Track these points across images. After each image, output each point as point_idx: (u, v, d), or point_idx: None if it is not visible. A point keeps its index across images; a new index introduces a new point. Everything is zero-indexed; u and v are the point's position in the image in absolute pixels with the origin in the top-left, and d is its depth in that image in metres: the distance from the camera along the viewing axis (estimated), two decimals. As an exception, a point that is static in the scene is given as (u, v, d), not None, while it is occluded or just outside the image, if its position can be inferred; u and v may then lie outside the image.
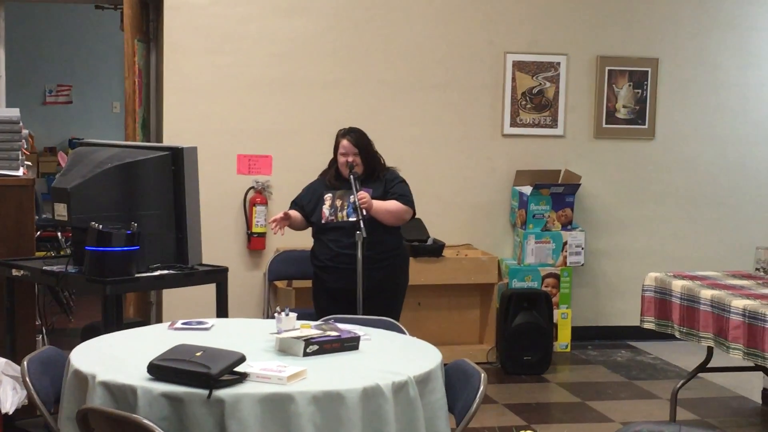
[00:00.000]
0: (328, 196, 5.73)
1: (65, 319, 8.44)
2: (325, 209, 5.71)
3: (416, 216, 5.88)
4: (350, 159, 5.67)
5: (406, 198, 5.71)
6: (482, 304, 7.45)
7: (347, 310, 5.39)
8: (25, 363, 3.79)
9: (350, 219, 5.59)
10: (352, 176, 5.61)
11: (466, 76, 7.75)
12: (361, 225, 5.45)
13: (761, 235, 8.07)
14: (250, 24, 7.38)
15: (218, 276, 5.28)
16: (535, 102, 7.88)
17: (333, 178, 5.77)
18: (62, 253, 7.63)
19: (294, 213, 5.79)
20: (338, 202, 5.68)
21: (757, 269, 6.13)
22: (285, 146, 7.44)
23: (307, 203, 5.80)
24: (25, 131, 5.53)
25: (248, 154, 7.40)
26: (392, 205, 5.66)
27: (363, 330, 4.12)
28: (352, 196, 5.57)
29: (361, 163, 5.70)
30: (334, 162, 5.80)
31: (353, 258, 5.48)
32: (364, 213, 5.50)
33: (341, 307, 5.44)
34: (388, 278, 5.71)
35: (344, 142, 5.72)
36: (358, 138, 5.73)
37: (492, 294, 7.38)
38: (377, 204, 5.59)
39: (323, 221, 5.70)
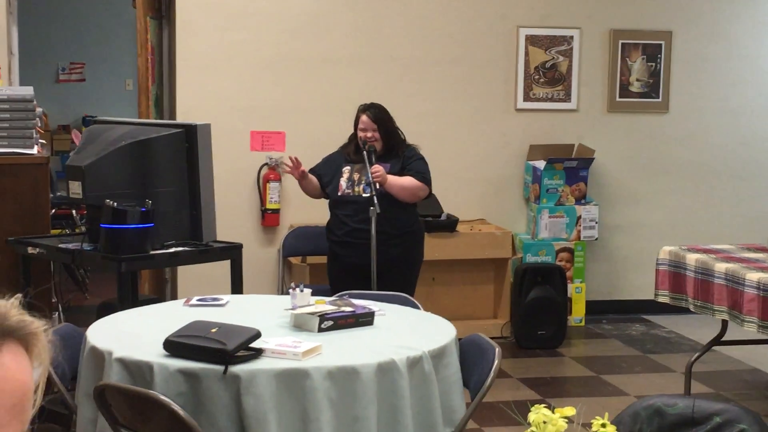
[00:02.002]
0: (346, 169, 5.75)
1: (81, 296, 8.48)
2: (343, 182, 5.72)
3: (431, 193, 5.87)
4: (369, 135, 5.67)
5: (422, 175, 5.70)
6: (496, 278, 7.45)
7: (362, 285, 5.40)
8: (42, 340, 3.81)
9: (365, 194, 5.60)
10: (366, 151, 5.61)
11: (479, 50, 7.73)
12: (375, 201, 5.45)
13: (776, 208, 8.06)
14: (262, 0, 7.36)
15: (233, 252, 5.30)
16: (548, 76, 7.86)
17: (353, 152, 5.77)
18: (77, 230, 7.67)
19: (311, 177, 5.81)
20: (355, 176, 5.69)
21: (771, 242, 6.11)
22: (298, 122, 7.43)
23: (325, 173, 5.81)
24: (38, 110, 5.54)
25: (261, 131, 7.41)
26: (407, 181, 5.65)
27: (377, 305, 4.13)
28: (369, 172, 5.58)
29: (380, 139, 5.70)
30: (354, 136, 5.80)
31: (368, 233, 5.50)
32: (378, 187, 5.49)
33: (356, 282, 5.46)
34: (403, 254, 5.72)
35: (363, 118, 5.72)
36: (377, 113, 5.73)
37: (506, 269, 7.39)
38: (392, 179, 5.59)
39: (339, 193, 5.72)
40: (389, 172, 5.62)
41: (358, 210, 5.63)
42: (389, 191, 5.58)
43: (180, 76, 7.27)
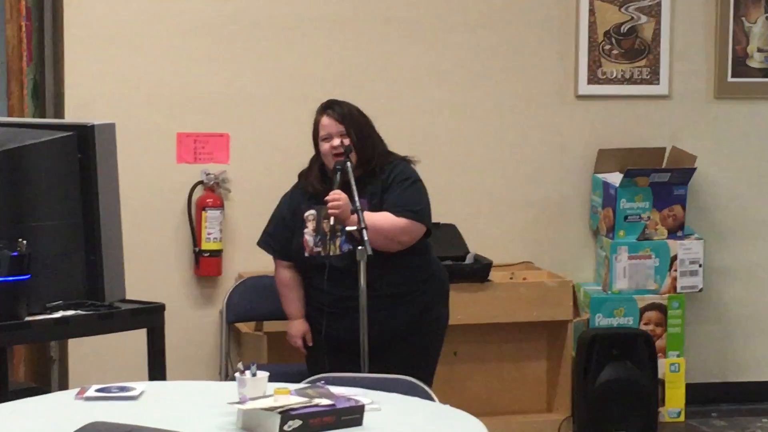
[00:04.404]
0: (310, 215, 5.71)
1: None
2: (308, 236, 5.70)
3: (442, 223, 5.86)
4: (336, 143, 5.66)
5: (408, 209, 5.69)
6: (551, 352, 7.46)
7: (354, 366, 5.41)
8: None
9: (343, 249, 5.59)
10: (336, 169, 5.61)
11: (521, 10, 7.75)
12: (364, 236, 5.45)
13: None
14: (193, -63, 7.41)
15: (150, 317, 5.29)
16: (626, 46, 7.89)
17: (318, 181, 5.78)
18: None
19: (291, 283, 5.90)
20: (325, 225, 5.63)
21: None
22: (248, 119, 7.44)
23: (292, 229, 5.80)
24: None
25: (194, 133, 7.42)
26: (381, 220, 5.63)
27: (369, 395, 4.14)
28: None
29: (354, 150, 5.68)
30: (317, 158, 5.81)
31: (357, 301, 5.49)
32: (363, 225, 5.47)
33: (346, 362, 5.50)
34: (415, 322, 5.74)
35: (324, 120, 5.72)
36: (344, 110, 5.73)
37: (565, 336, 7.39)
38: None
39: (306, 253, 5.71)
40: (368, 209, 5.60)
41: (337, 276, 5.64)
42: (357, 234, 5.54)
43: (70, 52, 7.28)
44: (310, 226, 5.73)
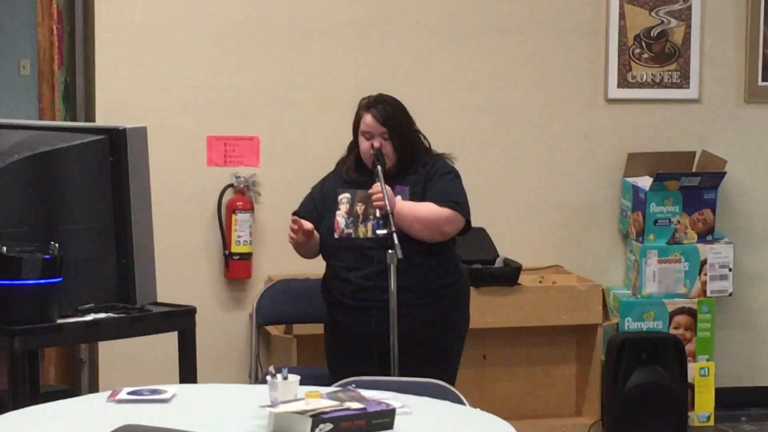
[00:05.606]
0: (344, 197, 5.72)
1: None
2: (340, 218, 5.70)
3: (472, 227, 5.86)
4: (376, 144, 5.66)
5: (450, 200, 5.68)
6: (580, 355, 7.45)
7: (376, 368, 5.41)
8: None
9: (377, 233, 5.58)
10: (378, 167, 5.60)
11: (551, 14, 7.74)
12: (395, 240, 5.45)
13: None
14: (223, -59, 7.43)
15: (181, 320, 5.30)
16: (656, 50, 7.87)
17: (353, 170, 5.79)
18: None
19: (315, 233, 5.77)
20: (359, 207, 5.66)
21: None
22: (278, 123, 7.45)
23: (321, 210, 5.78)
24: None
25: (224, 136, 7.43)
26: (424, 209, 5.63)
27: (399, 399, 4.14)
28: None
29: (393, 151, 5.69)
30: (354, 146, 5.82)
31: (383, 292, 5.49)
32: (391, 217, 5.45)
33: (368, 364, 5.49)
34: (437, 322, 5.72)
35: (367, 118, 5.70)
36: (388, 112, 5.70)
37: (594, 340, 7.37)
38: (402, 206, 5.54)
39: (336, 235, 5.70)
40: (409, 198, 5.61)
41: (364, 260, 5.63)
42: (399, 225, 5.52)
43: (100, 55, 7.29)
44: (343, 208, 5.72)
